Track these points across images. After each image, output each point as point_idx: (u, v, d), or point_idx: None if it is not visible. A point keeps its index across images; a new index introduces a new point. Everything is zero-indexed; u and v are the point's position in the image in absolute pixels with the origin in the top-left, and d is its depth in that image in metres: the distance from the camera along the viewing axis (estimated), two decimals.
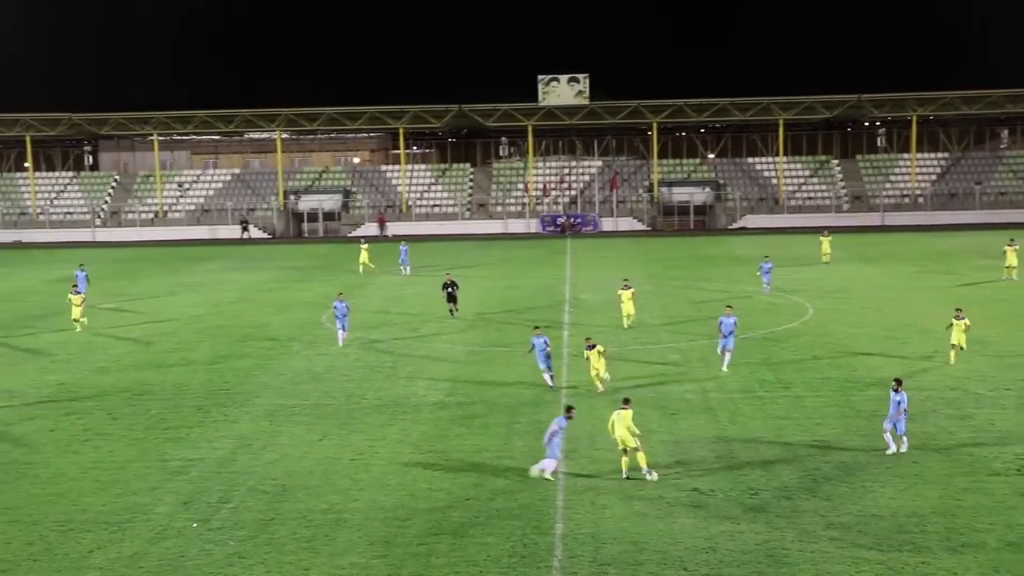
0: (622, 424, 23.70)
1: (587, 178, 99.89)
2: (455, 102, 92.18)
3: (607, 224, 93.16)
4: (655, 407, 29.83)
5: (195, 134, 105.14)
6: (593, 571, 18.84)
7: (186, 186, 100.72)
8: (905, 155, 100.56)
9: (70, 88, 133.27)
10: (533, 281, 57.72)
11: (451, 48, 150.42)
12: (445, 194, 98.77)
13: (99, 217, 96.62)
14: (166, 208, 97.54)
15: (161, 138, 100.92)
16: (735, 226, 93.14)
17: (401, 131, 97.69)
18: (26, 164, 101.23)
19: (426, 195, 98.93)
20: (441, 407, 30.49)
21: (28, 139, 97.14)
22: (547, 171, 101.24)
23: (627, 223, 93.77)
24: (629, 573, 18.76)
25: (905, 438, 25.01)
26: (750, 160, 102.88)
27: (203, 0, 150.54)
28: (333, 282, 58.98)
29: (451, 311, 45.01)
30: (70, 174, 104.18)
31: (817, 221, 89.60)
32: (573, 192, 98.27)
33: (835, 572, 18.56)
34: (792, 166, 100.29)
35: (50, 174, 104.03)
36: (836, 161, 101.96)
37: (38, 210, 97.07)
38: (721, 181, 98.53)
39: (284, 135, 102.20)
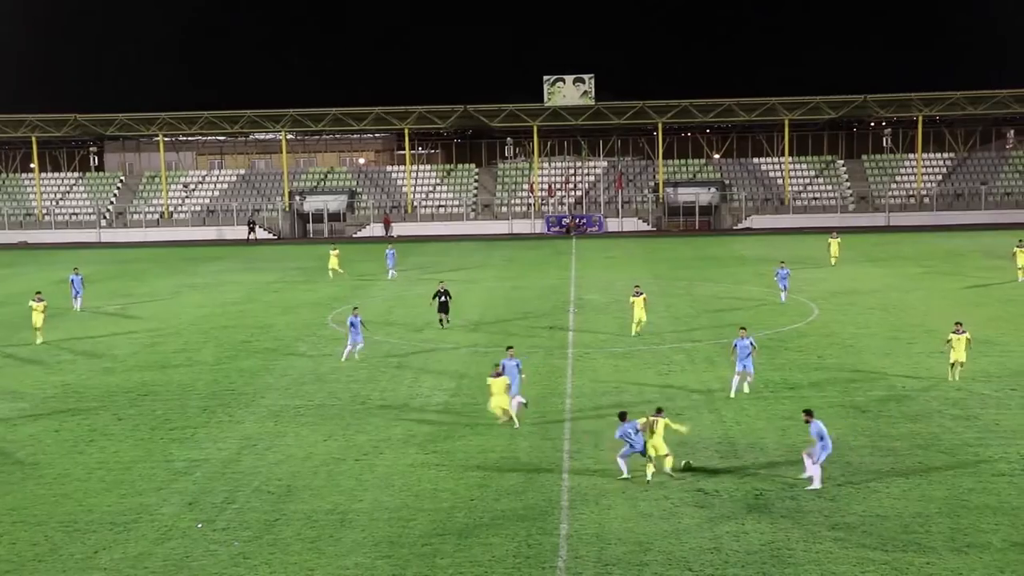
0: (659, 433, 23.66)
1: (592, 178, 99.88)
2: (460, 102, 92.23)
3: (612, 224, 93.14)
4: (660, 406, 29.72)
5: (200, 135, 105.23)
6: (597, 571, 18.83)
7: (192, 187, 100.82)
8: (911, 155, 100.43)
9: (76, 89, 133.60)
10: (538, 282, 57.71)
11: (457, 49, 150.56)
12: (450, 195, 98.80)
13: (104, 218, 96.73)
14: (171, 209, 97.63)
15: (167, 139, 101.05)
16: (740, 226, 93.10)
17: (406, 131, 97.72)
18: (32, 165, 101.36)
19: (431, 196, 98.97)
20: (446, 408, 30.50)
21: (34, 140, 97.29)
22: (552, 171, 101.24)
23: (632, 223, 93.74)
24: (634, 573, 18.75)
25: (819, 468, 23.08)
26: (755, 160, 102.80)
27: (206, 1, 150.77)
28: (338, 283, 59.04)
29: (441, 321, 43.03)
30: (76, 175, 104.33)
31: (823, 222, 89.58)
32: (578, 192, 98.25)
33: (840, 572, 18.54)
34: (798, 166, 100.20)
35: (56, 175, 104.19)
36: (842, 161, 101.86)
37: (44, 211, 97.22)
38: (726, 181, 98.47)
39: (289, 136, 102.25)
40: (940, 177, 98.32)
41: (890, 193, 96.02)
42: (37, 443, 27.72)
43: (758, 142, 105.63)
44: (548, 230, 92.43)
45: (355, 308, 39.28)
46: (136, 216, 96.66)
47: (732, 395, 30.91)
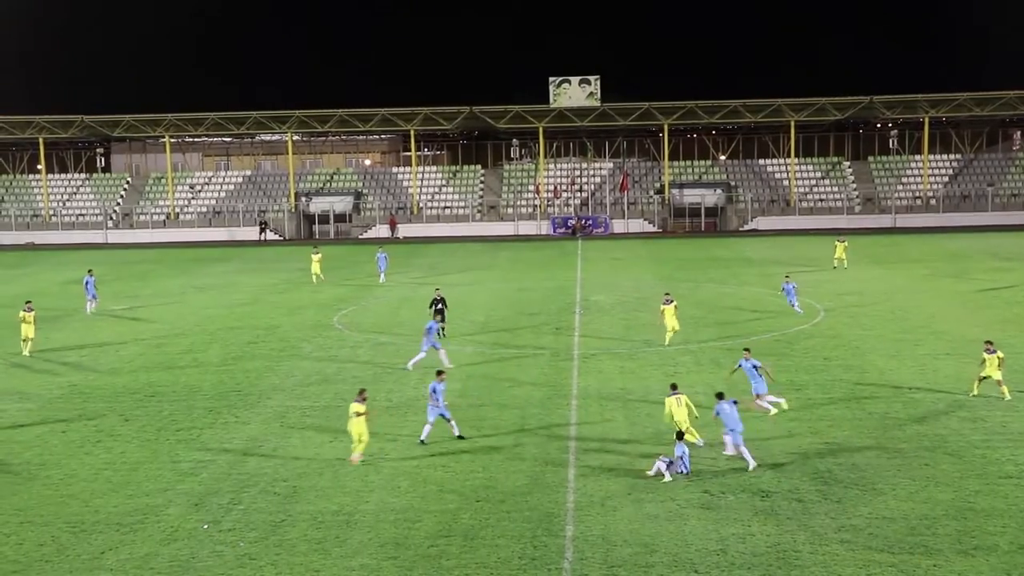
0: (683, 407, 25.36)
1: (598, 180, 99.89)
2: (466, 104, 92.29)
3: (618, 226, 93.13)
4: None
5: (207, 136, 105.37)
6: (604, 573, 18.82)
7: (198, 188, 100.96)
8: (917, 157, 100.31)
9: (82, 90, 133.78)
10: (544, 283, 57.70)
11: (462, 50, 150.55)
12: (456, 196, 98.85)
13: (111, 219, 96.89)
14: (178, 210, 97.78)
15: (173, 140, 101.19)
16: (746, 228, 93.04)
17: (412, 133, 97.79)
18: (39, 166, 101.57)
19: (437, 197, 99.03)
20: (452, 408, 30.42)
21: (41, 141, 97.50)
22: (558, 173, 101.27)
23: (638, 225, 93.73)
24: (640, 575, 18.74)
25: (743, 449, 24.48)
26: (761, 162, 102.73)
27: (211, 2, 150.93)
28: (345, 284, 59.08)
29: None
30: (82, 176, 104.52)
31: (829, 223, 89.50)
32: (584, 194, 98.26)
33: (846, 575, 18.51)
34: (804, 168, 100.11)
35: (63, 176, 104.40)
36: (848, 163, 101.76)
37: (51, 212, 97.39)
38: (732, 183, 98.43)
39: (295, 137, 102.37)
40: (947, 178, 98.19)
41: (896, 194, 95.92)
42: (44, 444, 27.76)
43: (764, 143, 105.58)
44: (554, 231, 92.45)
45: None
46: (143, 217, 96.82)
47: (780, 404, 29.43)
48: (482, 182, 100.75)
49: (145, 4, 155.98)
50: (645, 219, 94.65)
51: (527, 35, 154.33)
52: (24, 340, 39.70)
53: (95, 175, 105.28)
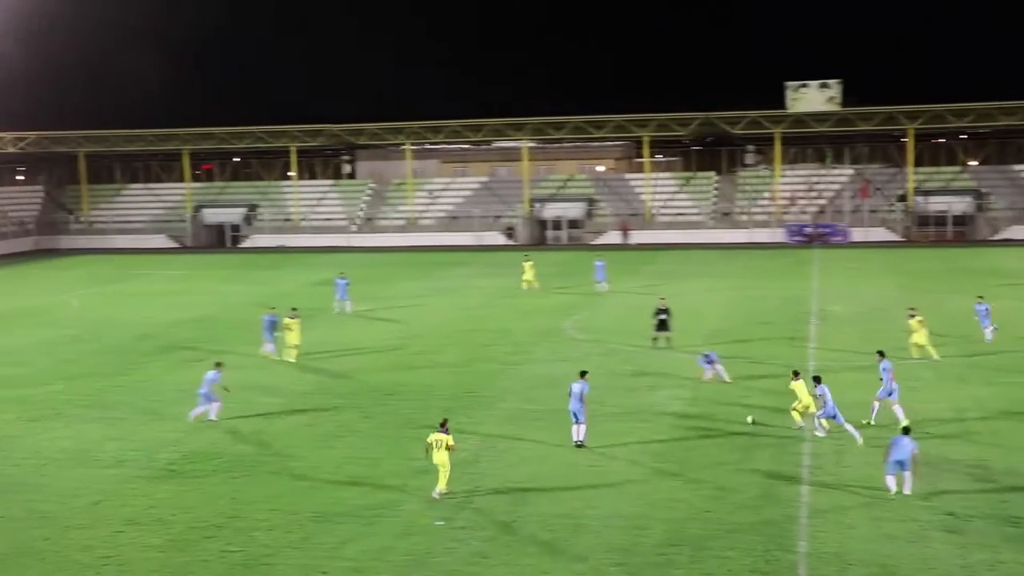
0: (805, 392, 28.01)
1: (836, 186, 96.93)
2: (701, 110, 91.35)
3: (857, 234, 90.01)
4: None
5: (445, 143, 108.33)
6: None
7: (436, 194, 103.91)
8: None
9: (329, 101, 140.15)
10: (778, 292, 56.46)
11: (697, 56, 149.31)
12: (689, 202, 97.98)
13: (355, 223, 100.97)
14: (417, 215, 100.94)
15: (413, 147, 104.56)
16: (998, 237, 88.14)
17: (646, 139, 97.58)
18: (291, 173, 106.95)
19: (670, 203, 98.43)
20: (682, 417, 30.32)
21: (293, 149, 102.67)
22: (795, 179, 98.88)
23: (879, 233, 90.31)
24: None
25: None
26: (1016, 167, 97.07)
27: (450, 14, 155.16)
28: (574, 290, 59.49)
29: (655, 340, 40.59)
30: (329, 182, 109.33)
31: None
32: (822, 201, 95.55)
33: None
34: None
35: (312, 182, 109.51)
36: None
37: (300, 216, 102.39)
38: (983, 189, 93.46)
39: (530, 144, 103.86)
40: None
41: None
42: (292, 436, 29.27)
43: (1020, 148, 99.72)
44: (789, 239, 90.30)
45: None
46: (384, 222, 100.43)
47: (872, 421, 29.14)
48: (716, 189, 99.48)
49: (389, 21, 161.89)
50: (886, 228, 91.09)
51: (763, 39, 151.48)
52: (288, 347, 39.84)
53: (341, 181, 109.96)
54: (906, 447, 22.98)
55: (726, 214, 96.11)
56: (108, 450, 28.42)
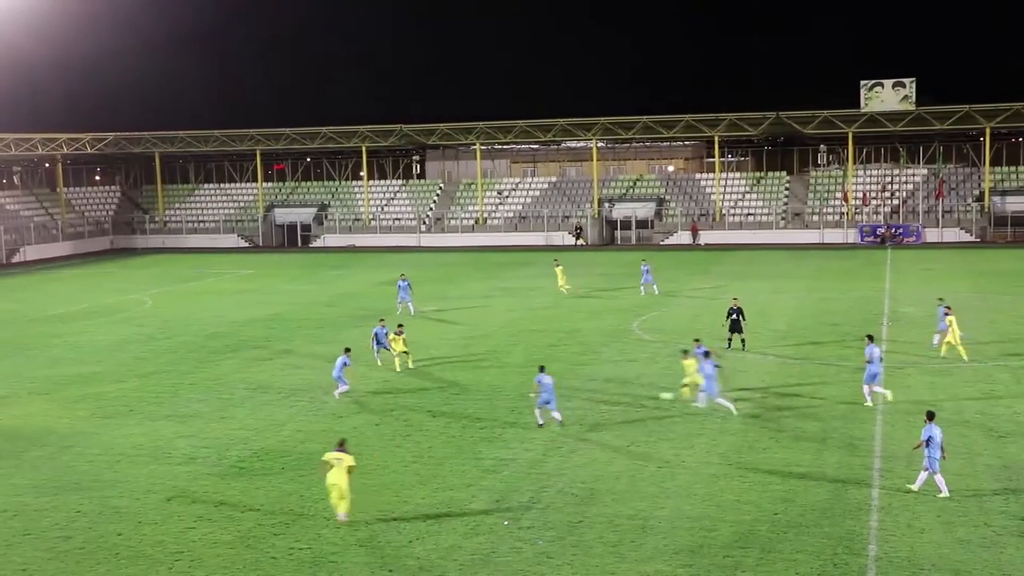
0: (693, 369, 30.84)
1: (910, 186, 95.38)
2: (772, 109, 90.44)
3: (931, 235, 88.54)
4: (982, 428, 28.16)
5: (515, 143, 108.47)
6: None
7: (505, 194, 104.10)
8: None
9: (399, 101, 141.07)
10: (850, 293, 55.70)
11: (769, 55, 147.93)
12: (760, 203, 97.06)
13: (424, 223, 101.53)
14: (486, 215, 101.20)
15: (483, 147, 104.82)
16: None
17: (716, 139, 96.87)
18: (361, 173, 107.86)
19: (740, 203, 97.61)
20: (751, 418, 30.04)
21: (364, 149, 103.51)
22: (867, 179, 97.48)
23: (953, 234, 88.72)
24: None
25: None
26: None
27: (518, 18, 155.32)
28: (648, 294, 59.15)
29: (730, 341, 39.94)
30: (399, 182, 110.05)
31: None
32: (895, 201, 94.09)
33: None
34: None
35: (382, 182, 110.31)
36: None
37: (370, 216, 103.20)
38: None
39: (600, 144, 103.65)
40: None
41: None
42: (360, 435, 29.49)
43: None
44: (861, 240, 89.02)
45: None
46: (453, 222, 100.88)
47: (868, 403, 30.97)
48: (787, 189, 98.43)
49: (469, 28, 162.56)
50: (962, 228, 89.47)
51: (837, 38, 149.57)
52: (399, 354, 38.49)
53: (411, 181, 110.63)
54: (937, 435, 23.04)
55: (797, 214, 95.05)
56: (180, 447, 28.89)
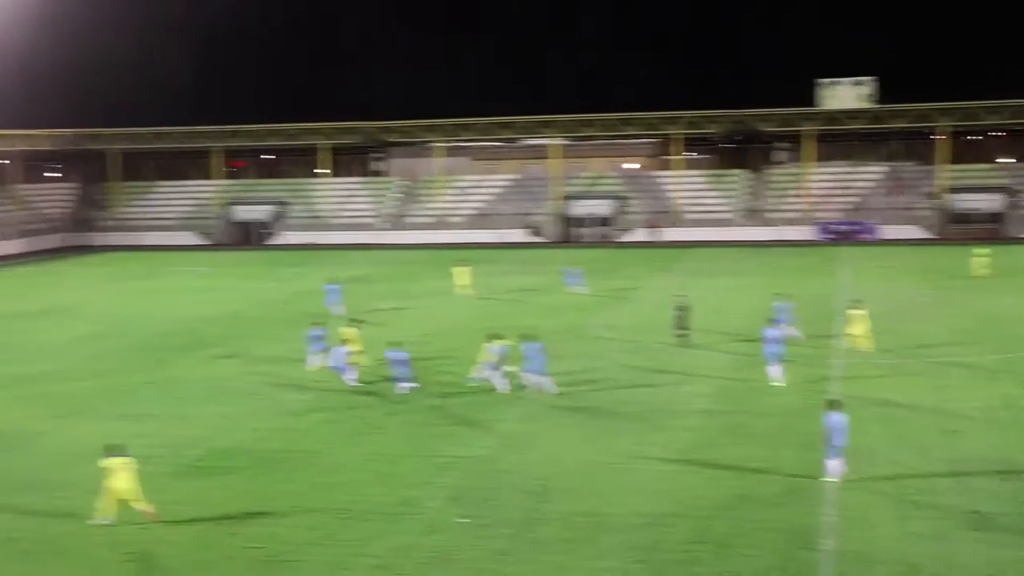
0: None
1: (868, 184, 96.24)
2: (731, 107, 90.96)
3: (888, 232, 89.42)
4: (935, 423, 28.43)
5: (476, 141, 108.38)
6: None
7: (466, 191, 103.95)
8: None
9: (357, 98, 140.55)
10: (806, 290, 56.05)
11: (728, 52, 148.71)
12: (719, 200, 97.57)
13: (385, 221, 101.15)
14: (447, 213, 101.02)
15: (444, 145, 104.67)
16: None
17: (676, 137, 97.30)
18: (321, 170, 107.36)
19: (699, 201, 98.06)
20: (707, 415, 30.18)
21: (323, 147, 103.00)
22: (825, 177, 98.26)
23: (910, 231, 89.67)
24: None
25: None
26: None
27: (481, 17, 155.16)
28: (604, 285, 59.32)
29: (679, 336, 40.66)
30: (360, 180, 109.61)
31: None
32: (853, 198, 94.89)
33: None
34: None
35: (342, 179, 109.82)
36: None
37: (330, 214, 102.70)
38: (1016, 187, 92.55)
39: (560, 141, 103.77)
40: None
41: None
42: (317, 433, 29.35)
43: None
44: (820, 237, 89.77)
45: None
46: (414, 219, 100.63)
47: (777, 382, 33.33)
48: (746, 186, 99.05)
49: (420, 19, 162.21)
50: (918, 225, 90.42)
51: (793, 37, 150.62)
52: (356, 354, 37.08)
53: (371, 179, 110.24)
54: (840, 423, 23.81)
55: (756, 211, 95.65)
56: (134, 447, 28.43)
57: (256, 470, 26.13)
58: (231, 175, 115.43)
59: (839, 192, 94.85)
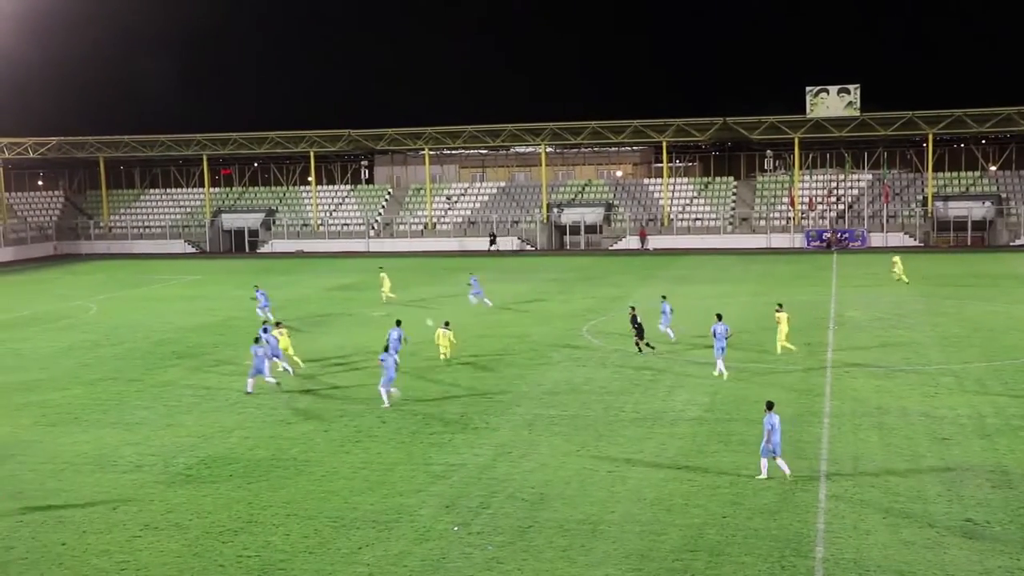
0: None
1: (855, 192, 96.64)
2: (719, 115, 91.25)
3: (876, 239, 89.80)
4: (925, 431, 28.53)
5: (463, 148, 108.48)
6: None
7: (454, 199, 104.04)
8: None
9: (348, 106, 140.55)
10: (796, 297, 56.27)
11: (716, 61, 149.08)
12: (707, 208, 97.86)
13: (373, 228, 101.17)
14: (435, 220, 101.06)
15: (432, 152, 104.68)
16: (1018, 243, 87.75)
17: (664, 144, 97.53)
18: (309, 178, 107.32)
19: (688, 208, 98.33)
20: (699, 422, 30.23)
21: (312, 154, 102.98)
22: (813, 184, 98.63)
23: (898, 238, 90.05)
24: None
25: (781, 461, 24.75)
26: None
27: (473, 20, 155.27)
28: (594, 294, 59.45)
29: (646, 344, 40.58)
30: (348, 187, 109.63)
31: None
32: (841, 206, 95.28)
33: None
34: None
35: (330, 187, 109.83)
36: None
37: (318, 221, 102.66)
38: (1003, 195, 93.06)
39: (548, 149, 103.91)
40: None
41: None
42: (308, 441, 29.30)
43: None
44: (808, 245, 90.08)
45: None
46: (402, 227, 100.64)
47: (717, 373, 35.81)
48: (734, 194, 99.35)
49: (408, 25, 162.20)
50: (906, 233, 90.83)
51: (782, 45, 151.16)
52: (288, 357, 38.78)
53: (359, 187, 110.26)
54: (776, 423, 24.65)
55: (744, 219, 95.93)
56: (126, 455, 28.53)
57: (248, 478, 26.09)
58: (219, 183, 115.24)
59: (827, 199, 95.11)
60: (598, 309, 53.53)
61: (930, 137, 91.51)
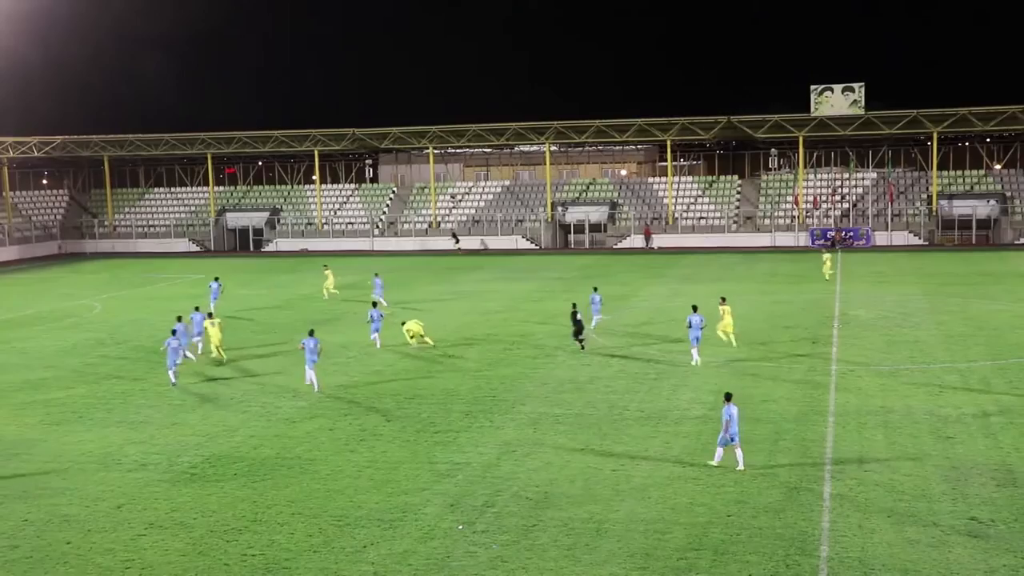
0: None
1: (860, 190, 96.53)
2: (724, 114, 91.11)
3: (881, 238, 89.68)
4: (930, 429, 28.51)
5: (468, 147, 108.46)
6: None
7: (459, 197, 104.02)
8: None
9: (351, 105, 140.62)
10: (801, 296, 56.25)
11: (720, 59, 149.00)
12: (712, 206, 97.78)
13: (377, 227, 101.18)
14: (439, 219, 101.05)
15: (436, 151, 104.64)
16: (1023, 241, 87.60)
17: (668, 143, 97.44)
18: (314, 177, 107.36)
19: (692, 207, 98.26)
20: (704, 421, 30.22)
21: (316, 153, 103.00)
22: (818, 183, 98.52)
23: (902, 237, 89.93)
24: None
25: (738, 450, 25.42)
26: None
27: (478, 19, 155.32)
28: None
29: (581, 343, 41.26)
30: (352, 186, 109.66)
31: None
32: (845, 205, 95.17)
33: None
34: None
35: (335, 186, 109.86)
36: None
37: (323, 220, 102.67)
38: (1008, 193, 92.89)
39: (553, 148, 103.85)
40: None
41: None
42: (313, 440, 29.33)
43: None
44: (812, 243, 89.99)
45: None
46: (406, 225, 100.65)
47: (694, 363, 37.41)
48: (739, 193, 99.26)
49: (415, 25, 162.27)
50: (910, 231, 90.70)
51: (787, 43, 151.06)
52: (216, 346, 41.44)
53: (364, 185, 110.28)
54: (735, 413, 25.38)
55: (749, 218, 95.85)
56: (130, 454, 28.57)
57: (253, 477, 26.12)
58: (223, 181, 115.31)
59: (832, 198, 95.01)
60: (603, 308, 53.40)
61: (934, 135, 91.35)
